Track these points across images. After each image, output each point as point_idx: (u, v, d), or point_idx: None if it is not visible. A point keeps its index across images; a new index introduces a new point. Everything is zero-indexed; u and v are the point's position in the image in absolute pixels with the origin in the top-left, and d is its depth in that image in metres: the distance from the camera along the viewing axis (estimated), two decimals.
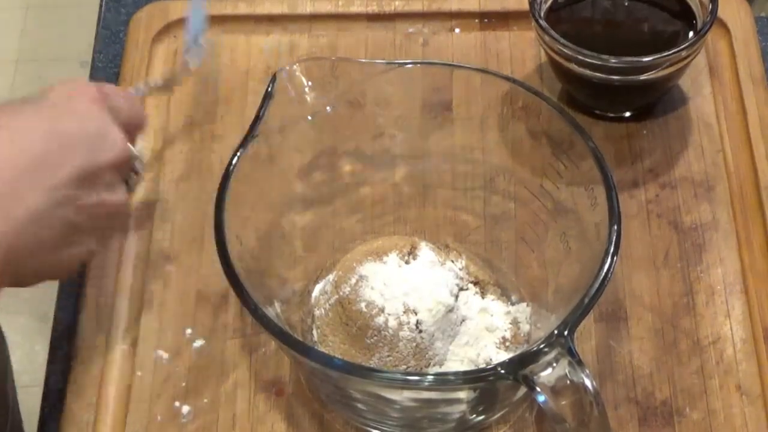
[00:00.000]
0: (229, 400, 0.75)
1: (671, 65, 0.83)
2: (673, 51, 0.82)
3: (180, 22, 0.94)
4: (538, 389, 0.60)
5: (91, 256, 0.70)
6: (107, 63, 0.94)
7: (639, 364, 0.77)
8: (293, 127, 0.75)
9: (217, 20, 0.94)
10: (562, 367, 0.61)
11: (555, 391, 0.60)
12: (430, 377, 0.63)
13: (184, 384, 0.76)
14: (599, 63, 0.83)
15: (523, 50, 0.93)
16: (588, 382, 0.60)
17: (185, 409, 0.75)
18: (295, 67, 0.75)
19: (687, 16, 0.87)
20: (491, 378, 0.62)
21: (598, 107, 0.89)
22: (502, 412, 0.73)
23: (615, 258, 0.65)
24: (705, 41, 0.85)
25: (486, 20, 0.95)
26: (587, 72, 0.84)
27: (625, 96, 0.87)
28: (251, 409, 0.75)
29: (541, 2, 0.86)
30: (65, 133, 0.66)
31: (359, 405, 0.70)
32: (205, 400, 0.75)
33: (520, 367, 0.61)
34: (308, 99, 0.75)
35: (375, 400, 0.68)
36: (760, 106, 0.88)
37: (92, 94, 0.69)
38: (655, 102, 0.89)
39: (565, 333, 0.62)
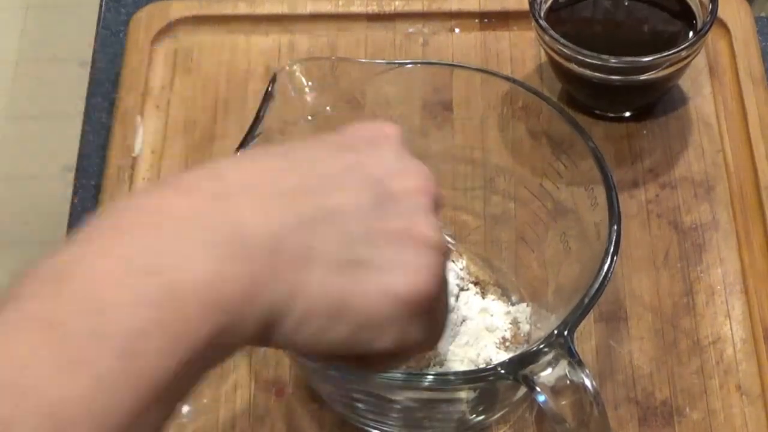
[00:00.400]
0: (229, 400, 0.75)
1: (671, 65, 0.83)
2: (673, 51, 0.82)
3: (180, 22, 0.94)
4: (538, 389, 0.60)
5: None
6: (107, 63, 0.94)
7: (639, 364, 0.77)
8: (293, 128, 0.75)
9: (217, 20, 0.94)
10: (562, 367, 0.61)
11: (555, 391, 0.60)
12: (430, 377, 0.63)
13: None
14: (599, 63, 0.83)
15: (523, 50, 0.93)
16: (588, 382, 0.60)
17: (185, 409, 0.75)
18: (295, 67, 0.75)
19: (687, 16, 0.87)
20: (491, 378, 0.62)
21: (598, 107, 0.89)
22: (502, 412, 0.73)
23: (615, 258, 0.65)
24: (705, 41, 0.85)
25: (486, 20, 0.95)
26: (587, 72, 0.84)
27: (625, 96, 0.87)
28: (251, 409, 0.75)
29: (541, 2, 0.86)
30: (355, 147, 0.52)
31: (359, 405, 0.70)
32: (205, 400, 0.75)
33: (520, 367, 0.61)
34: (308, 99, 0.75)
35: (375, 400, 0.68)
36: (760, 106, 0.88)
37: (398, 129, 0.55)
38: (655, 102, 0.89)
39: (565, 333, 0.62)
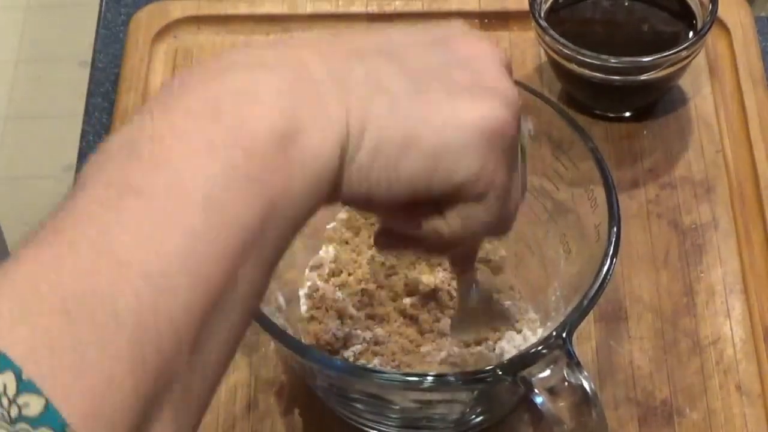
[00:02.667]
0: (229, 400, 0.75)
1: (671, 65, 0.83)
2: (673, 51, 0.82)
3: (180, 22, 0.94)
4: (536, 391, 0.60)
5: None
6: (107, 63, 0.94)
7: (639, 364, 0.77)
8: None
9: (217, 20, 0.94)
10: (561, 369, 0.61)
11: (553, 392, 0.60)
12: (429, 378, 0.63)
13: None
14: (599, 63, 0.83)
15: (523, 50, 0.93)
16: (586, 384, 0.60)
17: None
18: None
19: (687, 16, 0.87)
20: (490, 379, 0.62)
21: (598, 107, 0.89)
22: (501, 414, 0.73)
23: (615, 260, 0.65)
24: (705, 41, 0.85)
25: (486, 20, 0.95)
26: (587, 72, 0.84)
27: (625, 96, 0.87)
28: (251, 409, 0.75)
29: (541, 2, 0.86)
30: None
31: (357, 405, 0.70)
32: None
33: (518, 368, 0.61)
34: None
35: (373, 400, 0.68)
36: (760, 106, 0.88)
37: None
38: (655, 102, 0.89)
39: (564, 335, 0.62)
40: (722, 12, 0.90)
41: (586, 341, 0.77)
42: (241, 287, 0.42)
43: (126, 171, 0.41)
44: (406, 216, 0.52)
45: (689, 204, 0.84)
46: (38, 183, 1.88)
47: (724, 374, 0.76)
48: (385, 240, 0.57)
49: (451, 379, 0.63)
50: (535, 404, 0.61)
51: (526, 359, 0.61)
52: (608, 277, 0.65)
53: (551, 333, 0.62)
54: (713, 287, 0.80)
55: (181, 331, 0.39)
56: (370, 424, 0.72)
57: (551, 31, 0.84)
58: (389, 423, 0.71)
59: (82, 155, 0.89)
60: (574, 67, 0.84)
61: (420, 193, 0.49)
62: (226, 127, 0.42)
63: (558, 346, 0.61)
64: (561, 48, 0.83)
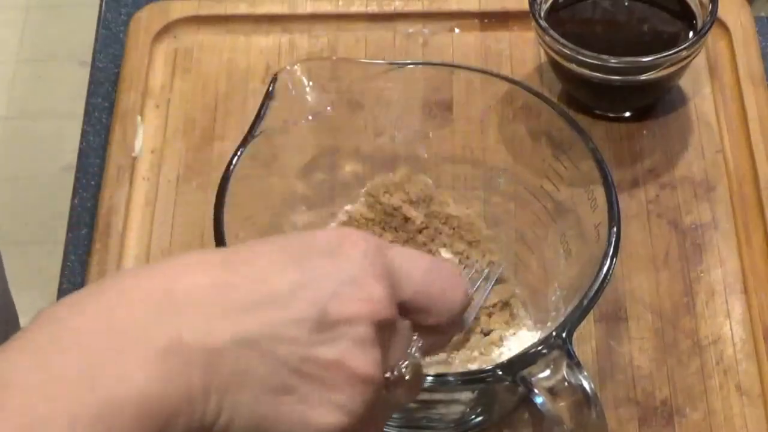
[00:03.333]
0: None
1: (671, 65, 0.83)
2: (673, 51, 0.82)
3: (180, 22, 0.94)
4: (536, 391, 0.60)
5: None
6: (107, 63, 0.94)
7: (639, 364, 0.77)
8: (293, 127, 0.75)
9: (217, 20, 0.94)
10: (561, 369, 0.61)
11: (553, 392, 0.60)
12: (429, 378, 0.63)
13: None
14: (599, 63, 0.83)
15: (523, 50, 0.93)
16: (586, 384, 0.60)
17: None
18: (296, 67, 0.75)
19: (687, 16, 0.87)
20: (489, 379, 0.62)
21: (598, 107, 0.89)
22: (501, 414, 0.73)
23: (614, 260, 0.65)
24: (705, 41, 0.85)
25: (486, 20, 0.95)
26: (587, 72, 0.84)
27: (625, 96, 0.87)
28: None
29: (541, 2, 0.86)
30: (307, 261, 0.51)
31: None
32: None
33: (518, 368, 0.61)
34: (309, 99, 0.75)
35: None
36: (760, 106, 0.88)
37: (367, 243, 0.52)
38: (655, 102, 0.89)
39: (564, 335, 0.62)
40: (722, 12, 0.90)
41: (586, 341, 0.77)
42: None
43: None
44: None
45: (689, 204, 0.84)
46: (38, 183, 1.88)
47: (724, 374, 0.76)
48: None
49: (451, 378, 0.63)
50: (535, 404, 0.61)
51: (526, 359, 0.61)
52: (608, 277, 0.65)
53: (551, 333, 0.62)
54: (713, 287, 0.80)
55: None
56: None
57: (551, 31, 0.84)
58: (389, 422, 0.71)
59: (82, 155, 0.89)
60: (574, 67, 0.84)
61: None
62: (94, 398, 0.44)
63: (558, 346, 0.61)
64: (561, 48, 0.83)
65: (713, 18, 0.84)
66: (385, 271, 0.52)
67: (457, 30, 0.94)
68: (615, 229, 0.66)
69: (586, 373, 0.61)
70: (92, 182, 0.87)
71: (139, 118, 0.89)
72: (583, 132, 0.71)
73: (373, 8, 0.95)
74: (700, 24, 0.86)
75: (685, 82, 0.90)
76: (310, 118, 0.76)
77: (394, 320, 0.52)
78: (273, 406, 0.49)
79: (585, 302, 0.64)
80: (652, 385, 0.76)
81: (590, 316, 0.78)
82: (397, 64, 0.77)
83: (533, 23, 0.85)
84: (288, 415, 0.49)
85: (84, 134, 0.90)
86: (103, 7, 0.98)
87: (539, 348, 0.61)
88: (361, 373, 0.50)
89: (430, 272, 0.54)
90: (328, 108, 0.76)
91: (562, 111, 0.73)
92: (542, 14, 0.86)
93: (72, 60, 2.00)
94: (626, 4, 0.89)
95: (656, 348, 0.77)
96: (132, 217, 0.83)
